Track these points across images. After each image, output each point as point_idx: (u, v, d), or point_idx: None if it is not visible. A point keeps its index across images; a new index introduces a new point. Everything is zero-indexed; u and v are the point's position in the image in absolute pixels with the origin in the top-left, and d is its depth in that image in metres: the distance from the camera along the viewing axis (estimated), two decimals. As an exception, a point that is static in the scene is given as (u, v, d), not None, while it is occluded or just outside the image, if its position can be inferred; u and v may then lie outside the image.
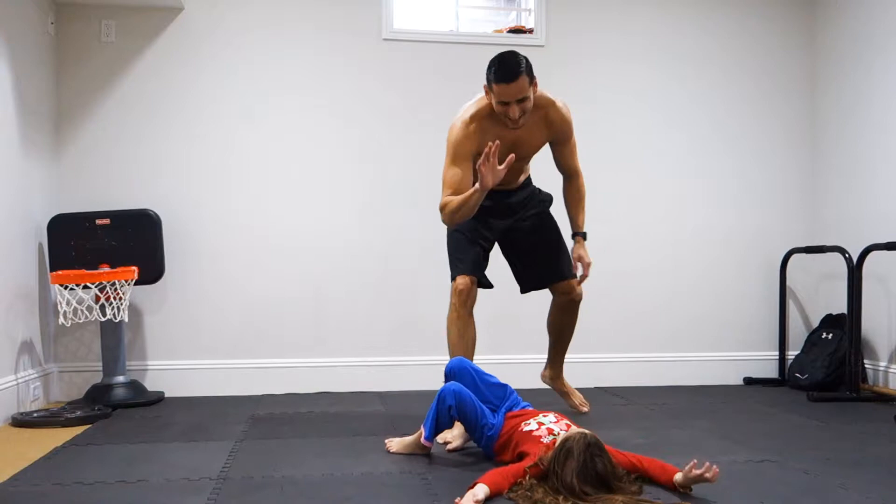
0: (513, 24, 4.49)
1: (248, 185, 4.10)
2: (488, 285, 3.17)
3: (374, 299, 4.17)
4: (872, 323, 4.10)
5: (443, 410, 2.53)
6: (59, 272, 3.60)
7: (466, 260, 3.07)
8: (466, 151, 2.86)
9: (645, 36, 4.43)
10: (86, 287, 3.62)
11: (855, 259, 3.89)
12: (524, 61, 2.82)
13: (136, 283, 3.67)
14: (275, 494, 2.24)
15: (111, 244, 3.77)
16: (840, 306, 4.16)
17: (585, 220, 3.27)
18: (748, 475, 2.43)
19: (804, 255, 4.36)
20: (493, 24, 4.58)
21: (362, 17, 4.20)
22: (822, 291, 4.49)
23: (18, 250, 3.56)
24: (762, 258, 4.49)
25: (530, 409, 2.60)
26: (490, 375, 2.69)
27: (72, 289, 3.58)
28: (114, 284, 3.59)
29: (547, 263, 3.25)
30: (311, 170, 4.15)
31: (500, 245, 3.29)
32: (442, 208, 2.87)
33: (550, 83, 4.31)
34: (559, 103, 3.07)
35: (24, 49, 3.62)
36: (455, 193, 2.82)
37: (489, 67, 2.83)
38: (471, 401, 2.53)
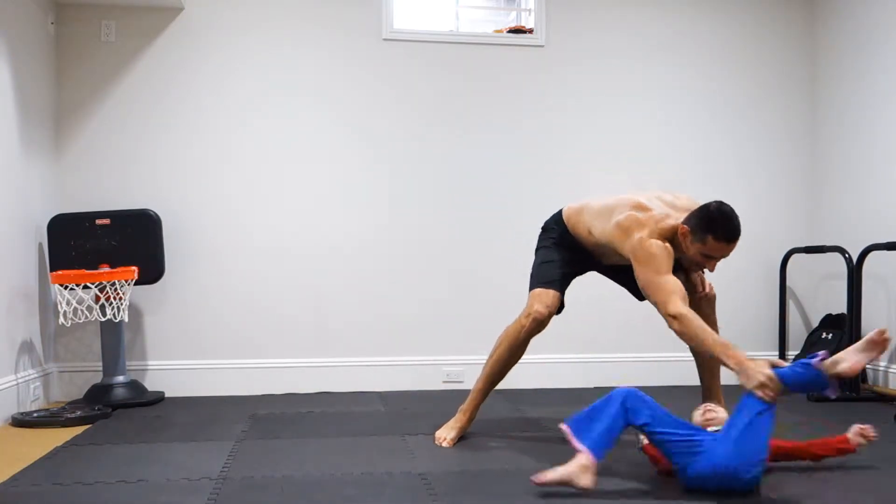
0: (513, 24, 4.49)
1: (248, 184, 4.10)
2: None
3: (375, 299, 4.17)
4: (872, 323, 4.09)
5: (617, 415, 2.29)
6: (59, 272, 3.60)
7: (553, 280, 2.93)
8: (671, 265, 2.74)
9: (645, 36, 4.43)
10: (86, 287, 3.62)
11: (855, 259, 3.89)
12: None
13: (136, 283, 3.67)
14: (275, 494, 2.24)
15: (111, 244, 3.77)
16: (840, 306, 4.16)
17: None
18: (748, 475, 2.43)
19: (804, 255, 4.36)
20: (493, 24, 4.58)
21: (362, 16, 4.20)
22: (822, 291, 4.49)
23: (18, 250, 3.56)
24: (762, 258, 4.49)
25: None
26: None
27: (72, 289, 3.58)
28: (114, 284, 3.60)
29: None
30: (310, 170, 4.14)
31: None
32: (677, 317, 2.60)
33: (550, 83, 4.37)
34: None
35: (25, 49, 3.61)
36: (684, 300, 2.67)
37: (709, 218, 2.69)
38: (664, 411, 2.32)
